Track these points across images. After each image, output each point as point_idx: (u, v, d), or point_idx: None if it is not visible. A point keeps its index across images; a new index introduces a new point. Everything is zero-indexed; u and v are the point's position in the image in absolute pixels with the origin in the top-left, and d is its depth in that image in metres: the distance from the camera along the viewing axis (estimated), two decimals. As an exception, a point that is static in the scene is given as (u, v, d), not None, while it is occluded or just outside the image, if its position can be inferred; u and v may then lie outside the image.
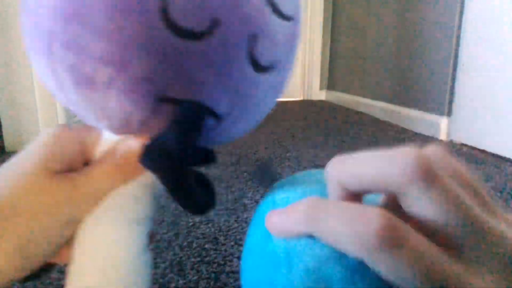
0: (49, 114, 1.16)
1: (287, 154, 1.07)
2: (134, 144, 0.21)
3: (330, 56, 2.58)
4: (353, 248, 0.14)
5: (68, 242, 0.22)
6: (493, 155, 1.10)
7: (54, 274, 0.46)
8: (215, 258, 0.51)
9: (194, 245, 0.54)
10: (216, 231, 0.58)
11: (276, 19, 0.20)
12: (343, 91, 2.35)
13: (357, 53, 2.13)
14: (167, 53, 0.18)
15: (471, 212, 0.15)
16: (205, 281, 0.45)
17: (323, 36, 2.56)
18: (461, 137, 1.25)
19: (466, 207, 0.15)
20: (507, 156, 1.06)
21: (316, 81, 2.64)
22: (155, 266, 0.49)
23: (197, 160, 0.22)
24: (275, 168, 0.41)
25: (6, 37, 1.05)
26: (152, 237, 0.25)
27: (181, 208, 0.22)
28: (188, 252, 0.52)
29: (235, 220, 0.63)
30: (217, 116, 0.21)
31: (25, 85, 1.11)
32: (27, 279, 0.22)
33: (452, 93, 1.31)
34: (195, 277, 0.46)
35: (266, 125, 1.53)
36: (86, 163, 0.22)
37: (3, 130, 1.10)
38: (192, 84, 0.19)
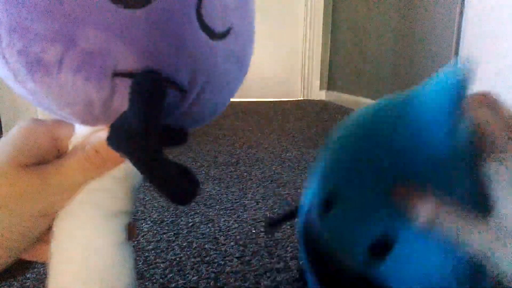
0: (49, 114, 1.16)
1: (287, 154, 1.07)
2: (105, 135, 0.21)
3: (330, 56, 2.58)
4: None
5: (44, 239, 0.22)
6: (493, 155, 1.10)
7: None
8: (215, 258, 0.50)
9: (194, 245, 0.54)
10: (216, 231, 0.58)
11: None
12: (343, 91, 2.35)
13: (357, 53, 2.13)
14: (112, 24, 0.17)
15: None
16: (205, 281, 0.45)
17: (323, 36, 2.56)
18: (461, 137, 1.25)
19: None
20: (507, 156, 1.06)
21: (316, 81, 2.64)
22: (155, 266, 0.49)
23: (167, 139, 0.22)
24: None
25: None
26: (131, 230, 0.24)
27: (168, 200, 0.22)
28: (188, 252, 0.52)
29: (235, 220, 0.63)
30: (180, 89, 0.20)
31: (25, 85, 1.11)
32: (0, 276, 0.22)
33: (452, 93, 1.31)
34: (195, 277, 0.46)
35: (266, 125, 1.53)
36: (59, 156, 0.22)
37: (3, 130, 1.10)
38: (144, 53, 0.18)
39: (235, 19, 0.22)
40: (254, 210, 0.67)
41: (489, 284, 0.23)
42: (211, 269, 0.48)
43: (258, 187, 0.79)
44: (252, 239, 0.55)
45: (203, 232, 0.58)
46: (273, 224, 0.45)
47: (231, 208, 0.68)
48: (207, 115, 0.24)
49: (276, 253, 0.51)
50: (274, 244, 0.54)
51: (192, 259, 0.50)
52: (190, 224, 0.61)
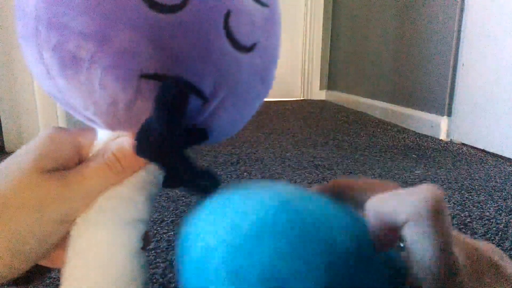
0: (49, 114, 1.16)
1: (287, 154, 1.07)
2: (125, 141, 0.21)
3: (330, 56, 2.58)
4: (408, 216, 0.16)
5: (61, 245, 0.21)
6: (493, 155, 1.10)
7: (54, 274, 0.46)
8: (215, 258, 0.50)
9: (194, 245, 0.54)
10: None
11: (250, 1, 0.21)
12: (343, 91, 2.35)
13: (357, 53, 2.13)
14: (143, 26, 0.18)
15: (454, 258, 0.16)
16: (205, 281, 0.45)
17: (323, 36, 2.56)
18: (461, 137, 1.25)
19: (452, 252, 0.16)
20: (507, 156, 1.06)
21: (316, 81, 2.64)
22: (155, 266, 0.49)
23: (189, 139, 0.22)
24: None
25: (6, 37, 1.05)
26: (147, 239, 0.25)
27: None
28: (188, 252, 0.52)
29: (235, 220, 0.62)
30: (202, 96, 0.21)
31: (25, 85, 1.11)
32: (17, 282, 0.21)
33: (452, 93, 1.31)
34: (195, 277, 0.46)
35: (266, 125, 1.53)
36: (80, 163, 0.22)
37: (3, 130, 1.10)
38: (171, 58, 0.19)
39: (262, 35, 0.22)
40: (254, 210, 0.67)
41: None
42: (211, 269, 0.48)
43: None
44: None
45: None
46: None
47: (231, 208, 0.68)
48: (226, 130, 0.24)
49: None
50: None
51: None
52: (190, 224, 0.61)
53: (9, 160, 0.21)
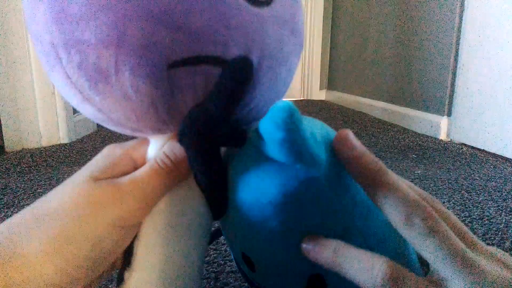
0: (49, 114, 1.16)
1: (287, 154, 1.07)
2: (175, 145, 0.21)
3: (330, 56, 2.58)
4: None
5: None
6: (493, 155, 1.10)
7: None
8: (215, 258, 0.50)
9: (194, 245, 0.54)
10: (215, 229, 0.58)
11: None
12: (343, 91, 2.35)
13: (357, 53, 2.13)
14: (153, 13, 0.17)
15: None
16: (205, 281, 0.45)
17: (323, 36, 2.56)
18: (461, 137, 1.25)
19: None
20: (507, 156, 1.06)
21: (316, 81, 2.64)
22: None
23: (230, 138, 0.21)
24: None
25: (6, 38, 1.05)
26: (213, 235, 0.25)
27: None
28: (188, 252, 0.52)
29: (235, 220, 0.62)
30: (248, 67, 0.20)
31: (25, 85, 1.11)
32: None
33: (452, 93, 1.31)
34: (195, 277, 0.46)
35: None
36: None
37: (3, 130, 1.10)
38: (192, 36, 0.18)
39: None
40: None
41: None
42: (211, 269, 0.48)
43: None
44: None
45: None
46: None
47: (231, 208, 0.68)
48: (272, 96, 0.23)
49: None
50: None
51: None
52: (190, 224, 0.61)
53: (67, 179, 0.21)
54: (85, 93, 0.19)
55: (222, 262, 0.49)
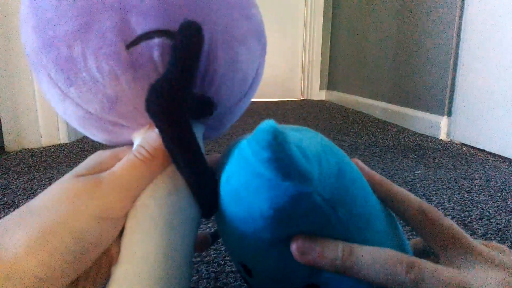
0: (49, 114, 1.16)
1: (287, 154, 1.07)
2: (150, 136, 0.22)
3: (330, 56, 2.58)
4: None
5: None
6: (493, 155, 1.10)
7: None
8: (215, 258, 0.50)
9: (194, 245, 0.54)
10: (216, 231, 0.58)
11: None
12: (343, 91, 2.35)
13: (357, 53, 2.13)
14: (112, 2, 0.20)
15: None
16: (205, 281, 0.45)
17: (323, 36, 2.56)
18: (461, 137, 1.25)
19: None
20: (507, 156, 1.06)
21: (316, 81, 2.64)
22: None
23: (195, 110, 0.22)
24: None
25: (6, 38, 1.05)
26: (203, 241, 0.25)
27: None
28: (188, 252, 0.52)
29: (235, 220, 0.62)
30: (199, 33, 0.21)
31: (25, 86, 1.11)
32: None
33: (452, 93, 1.31)
34: (195, 277, 0.46)
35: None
36: None
37: (3, 130, 1.10)
38: (143, 15, 0.20)
39: None
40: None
41: None
42: (211, 269, 0.48)
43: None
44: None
45: (203, 232, 0.58)
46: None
47: (231, 208, 0.68)
48: (234, 73, 0.24)
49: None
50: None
51: (192, 259, 0.50)
52: (190, 224, 0.61)
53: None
54: (62, 87, 0.21)
55: (222, 262, 0.49)
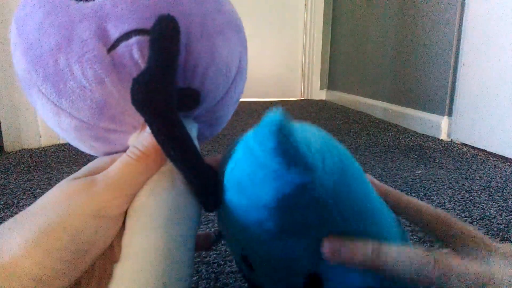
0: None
1: (287, 154, 1.06)
2: (142, 136, 0.23)
3: (330, 56, 2.58)
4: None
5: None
6: (493, 155, 1.10)
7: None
8: (215, 258, 0.50)
9: (194, 245, 0.54)
10: (216, 231, 0.58)
11: None
12: (343, 91, 2.35)
13: (357, 53, 2.13)
14: (88, 12, 0.21)
15: None
16: (205, 281, 0.45)
17: (323, 36, 2.56)
18: (461, 137, 1.25)
19: None
20: (508, 156, 1.06)
21: (316, 81, 2.64)
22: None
23: (181, 102, 0.23)
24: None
25: (4, 39, 1.05)
26: (205, 240, 0.26)
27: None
28: (188, 252, 0.52)
29: (235, 220, 0.62)
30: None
31: (25, 85, 1.11)
32: None
33: (452, 93, 1.31)
34: (195, 277, 0.46)
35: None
36: None
37: (3, 130, 1.10)
38: (119, 20, 0.21)
39: None
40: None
41: None
42: (211, 269, 0.48)
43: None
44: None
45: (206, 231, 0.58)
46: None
47: (231, 208, 0.68)
48: (213, 62, 0.24)
49: (276, 253, 0.51)
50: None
51: (193, 256, 0.50)
52: (190, 224, 0.61)
53: None
54: (55, 100, 0.22)
55: (222, 263, 0.49)
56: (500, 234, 0.56)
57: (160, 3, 0.22)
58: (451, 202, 0.70)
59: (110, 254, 0.22)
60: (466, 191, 0.77)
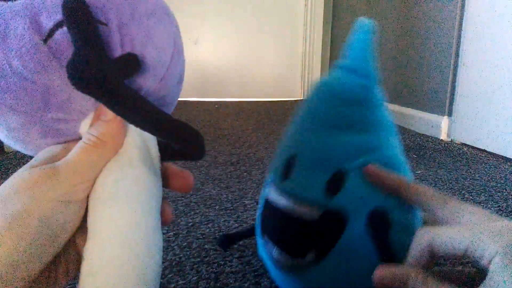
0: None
1: (287, 154, 1.07)
2: (97, 122, 0.23)
3: (331, 56, 2.58)
4: None
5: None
6: (494, 155, 1.10)
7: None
8: (215, 258, 0.50)
9: (194, 245, 0.54)
10: (216, 231, 0.58)
11: None
12: (343, 91, 2.35)
13: (357, 53, 2.13)
14: (18, 9, 0.22)
15: None
16: (205, 281, 0.45)
17: (323, 36, 2.56)
18: (461, 137, 1.25)
19: None
20: (508, 156, 1.06)
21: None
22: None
23: (122, 67, 0.23)
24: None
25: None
26: (164, 215, 0.26)
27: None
28: (188, 252, 0.52)
29: (235, 220, 0.62)
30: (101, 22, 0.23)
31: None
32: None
33: (452, 93, 1.31)
34: (195, 277, 0.46)
35: (266, 125, 1.53)
36: None
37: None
38: (49, 14, 0.22)
39: None
40: (254, 210, 0.67)
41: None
42: (211, 269, 0.48)
43: (258, 187, 0.79)
44: (252, 239, 0.55)
45: (203, 232, 0.58)
46: (227, 241, 0.51)
47: (231, 208, 0.68)
48: (149, 39, 0.25)
49: (276, 253, 0.51)
50: (274, 244, 0.53)
51: (192, 259, 0.50)
52: (190, 224, 0.61)
53: None
54: (0, 100, 0.23)
55: (222, 263, 0.49)
56: (500, 234, 0.56)
57: None
58: (451, 202, 0.70)
59: (72, 242, 0.23)
60: (466, 191, 0.77)
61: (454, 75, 1.29)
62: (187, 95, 2.36)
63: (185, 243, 0.54)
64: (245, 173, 0.88)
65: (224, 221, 0.62)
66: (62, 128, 0.24)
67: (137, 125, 0.22)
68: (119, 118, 0.23)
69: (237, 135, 1.33)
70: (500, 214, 0.64)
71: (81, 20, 0.21)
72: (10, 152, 1.09)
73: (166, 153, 0.26)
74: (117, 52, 0.23)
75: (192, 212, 0.65)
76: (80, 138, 0.24)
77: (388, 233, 0.32)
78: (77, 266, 0.23)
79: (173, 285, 0.44)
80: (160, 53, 0.25)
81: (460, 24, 1.26)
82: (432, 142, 1.25)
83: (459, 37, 1.27)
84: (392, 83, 1.72)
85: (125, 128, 0.24)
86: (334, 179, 0.33)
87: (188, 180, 0.27)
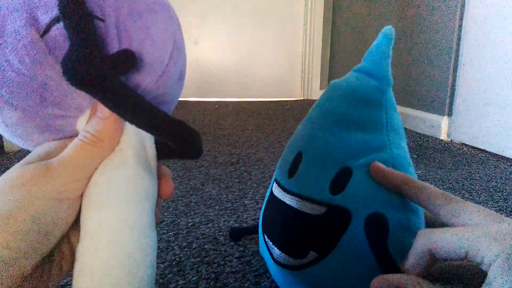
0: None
1: (287, 154, 1.06)
2: (93, 120, 0.23)
3: (330, 56, 2.58)
4: None
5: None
6: (494, 155, 1.10)
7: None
8: (215, 258, 0.50)
9: (194, 245, 0.54)
10: (216, 231, 0.58)
11: None
12: (343, 91, 2.35)
13: (357, 53, 2.13)
14: (16, 4, 0.22)
15: None
16: (205, 281, 0.45)
17: (323, 36, 2.56)
18: (461, 137, 1.25)
19: None
20: (508, 156, 1.06)
21: (316, 81, 2.64)
22: (155, 266, 0.48)
23: (118, 64, 0.23)
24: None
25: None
26: (156, 216, 0.25)
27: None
28: (188, 252, 0.52)
29: (235, 220, 0.62)
30: (98, 18, 0.23)
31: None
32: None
33: (452, 93, 1.31)
34: (195, 277, 0.46)
35: (266, 125, 1.53)
36: None
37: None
38: (42, 10, 0.22)
39: None
40: (254, 210, 0.67)
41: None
42: (211, 269, 0.48)
43: (258, 187, 0.79)
44: (252, 239, 0.55)
45: (203, 232, 0.58)
46: (236, 234, 0.53)
47: (231, 208, 0.68)
48: (145, 34, 0.25)
49: (276, 253, 0.51)
50: (274, 244, 0.53)
51: (192, 259, 0.50)
52: (190, 224, 0.61)
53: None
54: (3, 114, 0.23)
55: (222, 263, 0.49)
56: (500, 234, 0.56)
57: None
58: (451, 202, 0.70)
59: (66, 239, 0.23)
60: (466, 191, 0.77)
61: (454, 75, 1.29)
62: (187, 95, 2.36)
63: (185, 243, 0.54)
64: (245, 173, 0.88)
65: (224, 221, 0.62)
66: (59, 125, 0.24)
67: (132, 122, 0.22)
68: (115, 115, 0.22)
69: (237, 135, 1.33)
70: (500, 214, 0.64)
71: (77, 16, 0.21)
72: (10, 152, 1.09)
73: (163, 152, 0.26)
74: (114, 48, 0.23)
75: (192, 212, 0.65)
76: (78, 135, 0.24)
77: (387, 237, 0.32)
78: (71, 263, 0.23)
79: (173, 285, 0.44)
80: (158, 50, 0.25)
81: (460, 24, 1.26)
82: (432, 142, 1.25)
83: (459, 37, 1.27)
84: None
85: (122, 126, 0.24)
86: (340, 176, 0.33)
87: (167, 190, 0.27)
